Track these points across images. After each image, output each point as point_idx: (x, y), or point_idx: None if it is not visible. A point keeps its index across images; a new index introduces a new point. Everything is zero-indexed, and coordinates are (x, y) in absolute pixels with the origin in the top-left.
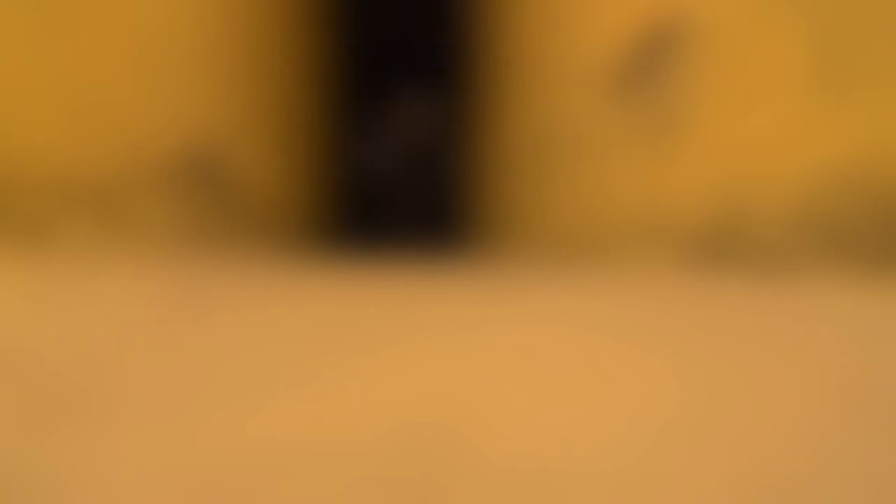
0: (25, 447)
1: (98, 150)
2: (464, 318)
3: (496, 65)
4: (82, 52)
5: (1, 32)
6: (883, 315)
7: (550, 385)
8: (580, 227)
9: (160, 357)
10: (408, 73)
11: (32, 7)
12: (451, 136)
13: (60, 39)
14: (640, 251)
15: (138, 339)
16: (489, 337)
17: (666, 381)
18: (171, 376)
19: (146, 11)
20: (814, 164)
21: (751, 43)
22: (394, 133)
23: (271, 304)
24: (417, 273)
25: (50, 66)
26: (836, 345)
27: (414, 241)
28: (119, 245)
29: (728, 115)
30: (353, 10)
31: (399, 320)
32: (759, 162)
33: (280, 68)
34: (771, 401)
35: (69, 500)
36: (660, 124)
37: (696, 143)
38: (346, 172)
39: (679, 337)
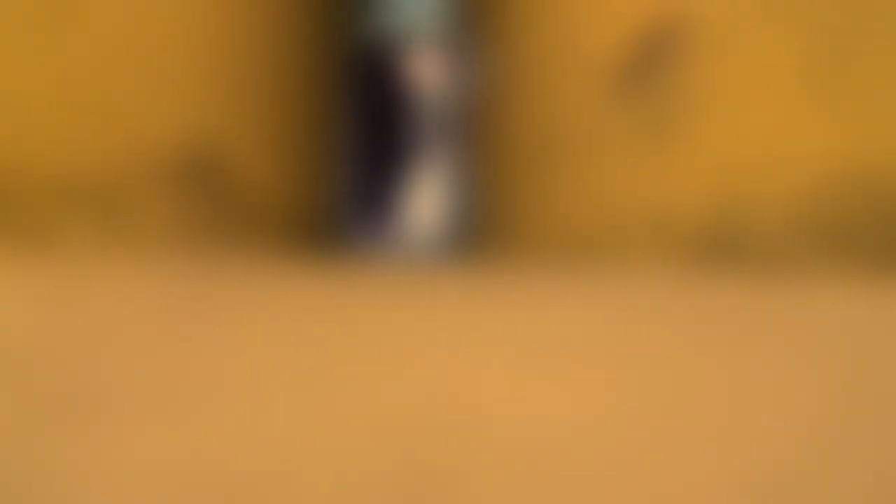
0: (25, 447)
1: (97, 151)
2: (465, 316)
3: (498, 65)
4: (81, 52)
5: (0, 33)
6: (883, 315)
7: (551, 384)
8: (581, 226)
9: (160, 356)
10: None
11: (32, 7)
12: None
13: (59, 39)
14: (641, 250)
15: (138, 338)
16: (490, 336)
17: (666, 379)
18: (171, 375)
19: (145, 12)
20: (814, 164)
21: (751, 43)
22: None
23: (271, 304)
24: (418, 272)
25: (49, 67)
26: (835, 344)
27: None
28: (119, 245)
29: (728, 115)
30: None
31: (400, 320)
32: (759, 162)
33: (279, 68)
34: (771, 399)
35: (67, 499)
36: (661, 124)
37: (697, 143)
38: (344, 172)
39: (679, 335)
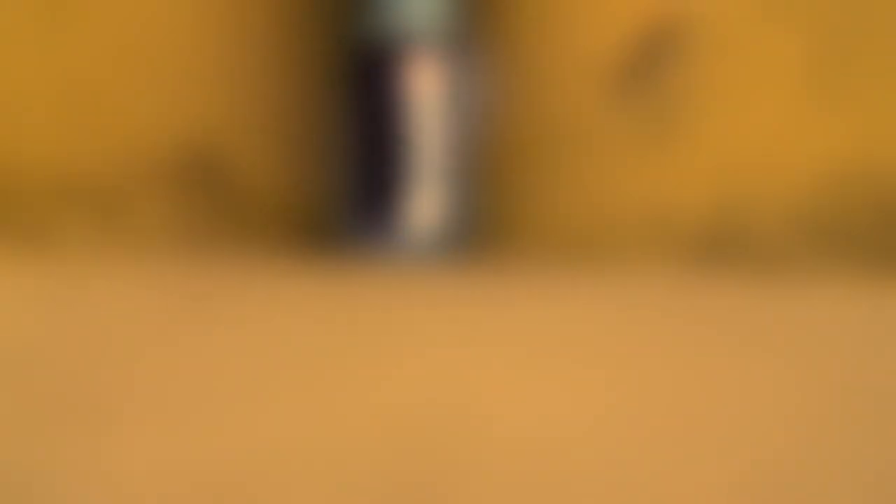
0: (25, 447)
1: (98, 151)
2: (465, 316)
3: (499, 63)
4: (81, 52)
5: (0, 33)
6: (883, 315)
7: (551, 384)
8: (581, 226)
9: (160, 356)
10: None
11: (32, 8)
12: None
13: (60, 40)
14: (641, 250)
15: (139, 338)
16: (490, 336)
17: (666, 379)
18: (171, 375)
19: (145, 12)
20: (814, 164)
21: (751, 43)
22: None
23: (271, 304)
24: (418, 272)
25: (49, 67)
26: (835, 344)
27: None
28: (119, 245)
29: (729, 115)
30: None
31: (400, 320)
32: (759, 162)
33: (280, 68)
34: (771, 399)
35: (67, 499)
36: (661, 124)
37: (697, 143)
38: (344, 172)
39: (679, 335)
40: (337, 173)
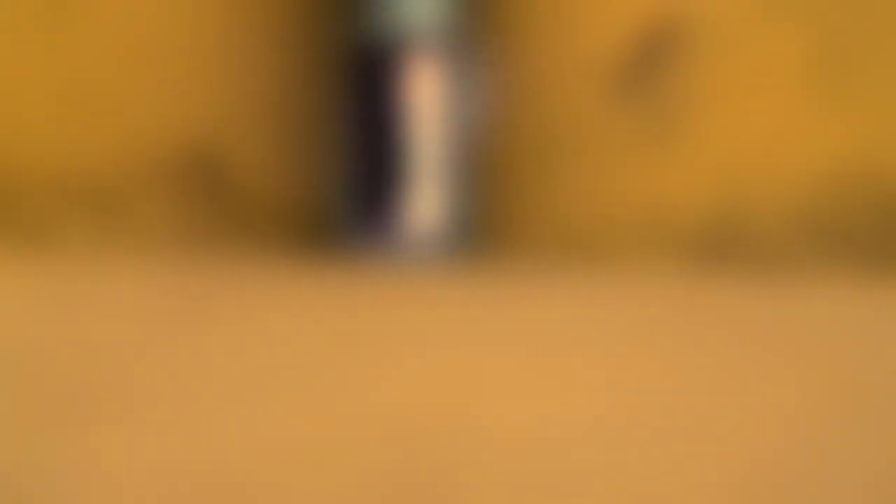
0: (25, 447)
1: (97, 151)
2: (465, 316)
3: (498, 63)
4: (82, 52)
5: (1, 33)
6: (883, 315)
7: (551, 384)
8: (581, 226)
9: (161, 357)
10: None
11: (32, 8)
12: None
13: (60, 40)
14: (641, 250)
15: (139, 339)
16: (490, 336)
17: (666, 379)
18: (171, 375)
19: (145, 12)
20: (814, 164)
21: (752, 43)
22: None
23: (271, 304)
24: (418, 273)
25: (50, 67)
26: (835, 344)
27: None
28: (119, 244)
29: (729, 115)
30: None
31: (400, 320)
32: (759, 161)
33: (280, 68)
34: (770, 399)
35: (67, 499)
36: (661, 124)
37: (697, 143)
38: (344, 172)
39: (679, 335)
40: (337, 173)
